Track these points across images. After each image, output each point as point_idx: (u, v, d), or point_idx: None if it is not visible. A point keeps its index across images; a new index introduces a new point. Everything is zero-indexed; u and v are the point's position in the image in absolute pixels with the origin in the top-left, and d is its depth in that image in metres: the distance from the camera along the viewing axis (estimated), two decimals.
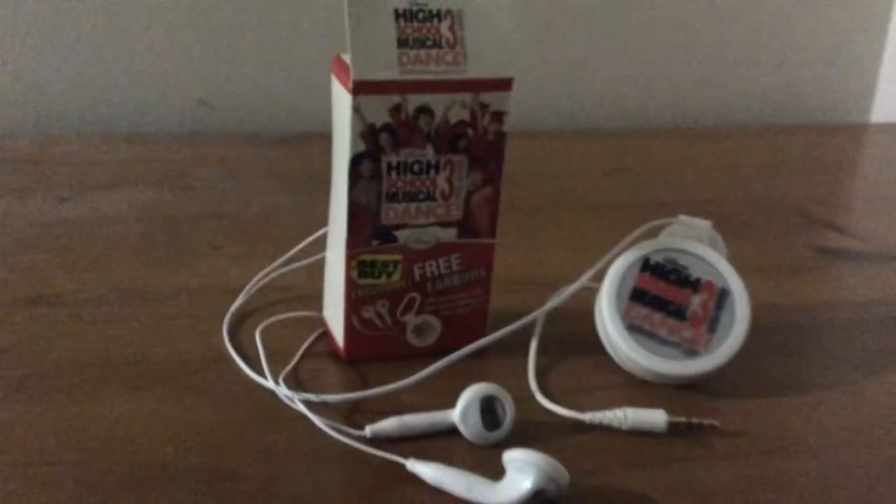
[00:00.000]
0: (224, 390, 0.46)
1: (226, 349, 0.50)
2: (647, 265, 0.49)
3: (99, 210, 0.68)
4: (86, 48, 0.85)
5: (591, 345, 0.50)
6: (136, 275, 0.58)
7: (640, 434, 0.45)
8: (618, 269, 0.49)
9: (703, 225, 0.52)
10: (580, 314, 0.52)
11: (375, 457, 0.41)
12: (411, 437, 0.43)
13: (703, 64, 0.97)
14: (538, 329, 0.52)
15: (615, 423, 0.45)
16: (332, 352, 0.50)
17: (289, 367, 0.48)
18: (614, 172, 0.81)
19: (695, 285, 0.49)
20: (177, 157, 0.79)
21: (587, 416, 0.45)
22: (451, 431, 0.44)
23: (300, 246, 0.57)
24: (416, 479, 0.40)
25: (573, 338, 0.52)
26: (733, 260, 0.51)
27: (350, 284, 0.48)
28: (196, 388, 0.46)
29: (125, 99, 0.87)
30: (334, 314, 0.50)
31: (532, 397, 0.47)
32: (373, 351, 0.49)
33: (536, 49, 0.93)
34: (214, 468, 0.41)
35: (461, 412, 0.43)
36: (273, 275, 0.57)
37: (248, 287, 0.56)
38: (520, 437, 0.44)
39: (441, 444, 0.43)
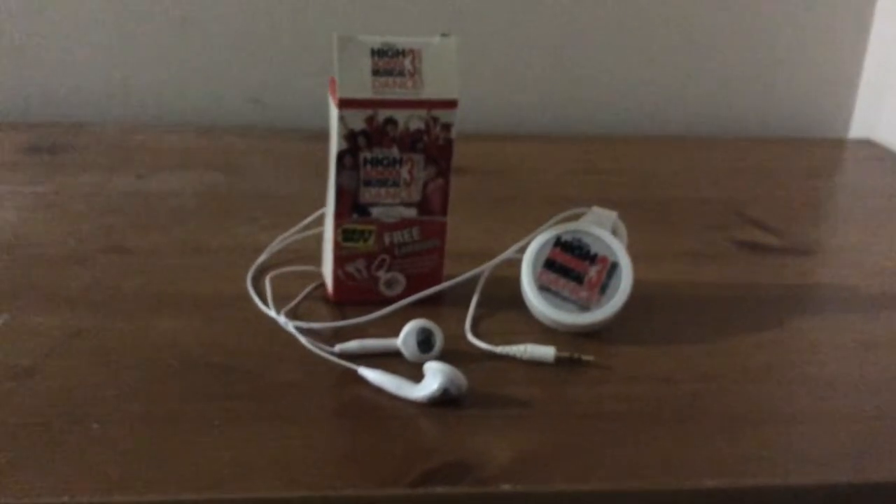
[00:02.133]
0: (241, 317, 0.64)
1: (247, 290, 0.68)
2: (558, 242, 0.66)
3: (167, 186, 0.87)
4: (167, 53, 1.04)
5: (519, 303, 0.67)
6: (188, 235, 0.77)
7: (535, 364, 0.61)
8: (536, 244, 0.66)
9: (610, 215, 0.68)
10: (514, 279, 0.69)
11: (339, 365, 0.59)
12: (369, 355, 0.60)
13: (692, 77, 1.11)
14: (479, 288, 0.69)
15: (517, 355, 0.61)
16: (325, 297, 0.68)
17: (291, 305, 0.66)
18: (587, 172, 0.97)
19: (593, 259, 0.65)
20: (233, 147, 0.98)
21: (498, 349, 0.62)
22: (396, 354, 0.61)
23: (312, 217, 0.75)
24: (363, 381, 0.58)
25: (508, 297, 0.68)
26: (660, 247, 0.67)
27: (337, 246, 0.65)
28: (221, 315, 0.65)
29: (196, 96, 1.06)
30: (327, 268, 0.67)
31: (464, 335, 0.64)
32: (354, 297, 0.67)
33: (545, 61, 1.09)
34: (224, 365, 0.59)
35: (402, 338, 0.60)
36: (290, 239, 0.75)
37: (269, 247, 0.74)
38: (447, 360, 0.60)
39: (389, 361, 0.60)
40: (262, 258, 0.73)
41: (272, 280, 0.69)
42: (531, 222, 0.82)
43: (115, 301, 0.66)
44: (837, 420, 0.57)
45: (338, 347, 0.60)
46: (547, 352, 0.61)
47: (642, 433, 0.55)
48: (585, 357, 0.61)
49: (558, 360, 0.61)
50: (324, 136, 0.65)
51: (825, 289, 0.75)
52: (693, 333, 0.66)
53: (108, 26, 1.03)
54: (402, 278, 0.67)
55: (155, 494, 0.47)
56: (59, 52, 1.04)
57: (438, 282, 0.68)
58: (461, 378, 0.56)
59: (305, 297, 0.68)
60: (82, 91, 1.05)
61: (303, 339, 0.61)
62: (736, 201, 0.91)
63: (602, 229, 0.66)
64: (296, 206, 0.82)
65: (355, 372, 0.58)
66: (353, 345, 0.61)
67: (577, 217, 0.68)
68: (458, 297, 0.68)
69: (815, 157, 1.06)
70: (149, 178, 0.89)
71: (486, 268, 0.68)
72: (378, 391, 0.57)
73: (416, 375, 0.57)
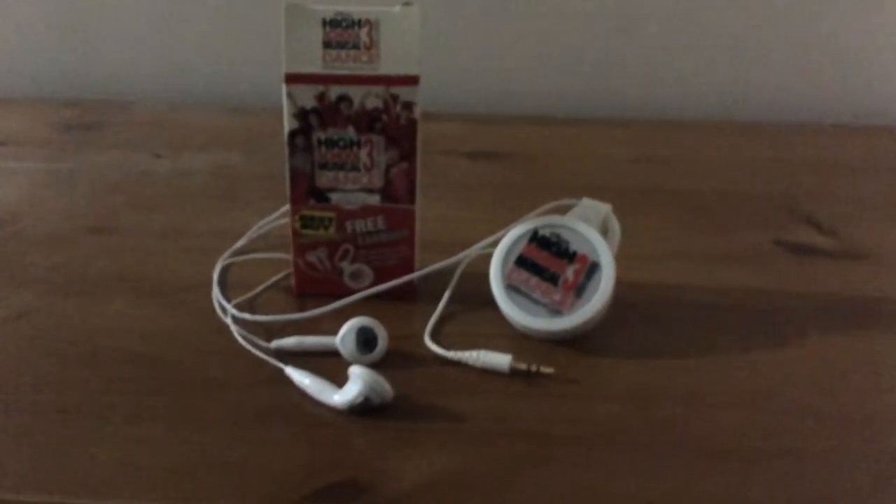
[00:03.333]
0: (194, 306, 0.61)
1: (210, 277, 0.64)
2: (535, 237, 0.58)
3: (182, 166, 0.85)
4: (212, 33, 1.03)
5: (494, 301, 0.60)
6: (180, 217, 0.74)
7: (488, 373, 0.54)
8: (508, 239, 0.59)
9: (603, 208, 0.60)
10: None
11: (268, 362, 0.54)
12: (308, 353, 0.56)
13: (734, 60, 1.00)
14: (452, 284, 0.62)
15: (470, 362, 0.55)
16: (290, 288, 0.64)
17: (248, 295, 0.62)
18: (630, 161, 0.88)
19: (571, 257, 0.57)
20: (261, 127, 0.95)
21: (449, 354, 0.55)
22: (337, 353, 0.55)
23: None
24: (289, 382, 0.53)
25: (483, 294, 0.62)
26: (689, 245, 0.59)
27: (295, 233, 0.61)
28: (175, 302, 0.61)
29: (238, 76, 1.04)
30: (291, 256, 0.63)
31: (421, 336, 0.58)
32: (318, 289, 0.62)
33: (571, 41, 1.00)
34: (156, 356, 0.55)
35: (341, 337, 0.55)
36: (273, 224, 0.71)
37: (250, 232, 0.70)
38: (390, 363, 0.55)
39: (328, 361, 0.55)
40: (239, 243, 0.69)
41: (240, 267, 0.66)
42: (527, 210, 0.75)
43: (75, 283, 0.64)
44: (836, 460, 0.48)
45: (274, 343, 0.56)
46: (501, 360, 0.54)
47: (587, 462, 0.47)
48: (545, 369, 0.54)
49: (514, 371, 0.54)
50: None
51: (871, 302, 0.64)
52: (687, 348, 0.57)
53: (156, 4, 1.02)
54: (368, 270, 0.62)
55: (28, 493, 0.44)
56: (105, 29, 1.04)
57: (410, 275, 0.62)
58: (384, 386, 0.50)
59: (270, 287, 0.64)
60: (127, 68, 1.05)
61: (236, 334, 0.57)
62: (791, 195, 0.80)
63: (586, 224, 0.58)
64: None
65: (282, 371, 0.53)
66: (290, 341, 0.56)
67: (566, 209, 0.61)
68: (434, 293, 0.62)
69: (865, 145, 0.93)
70: (166, 157, 0.87)
71: (457, 259, 0.61)
72: (303, 394, 0.52)
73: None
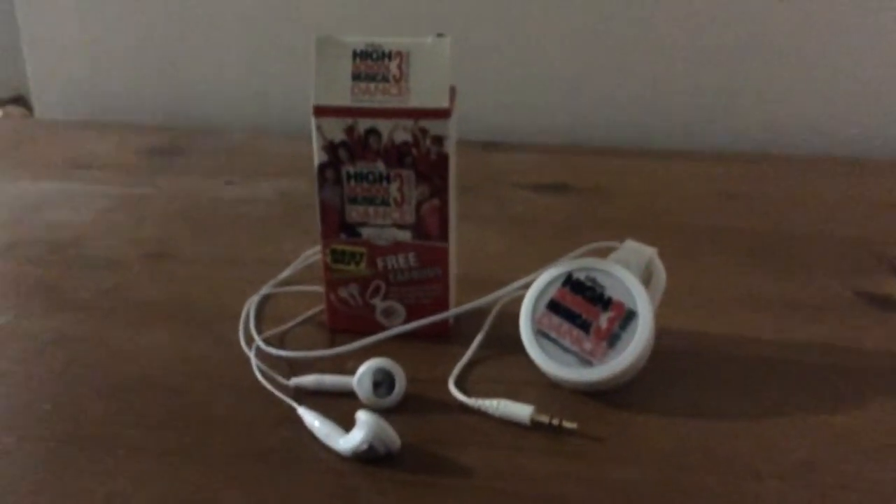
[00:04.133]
0: (224, 338, 0.60)
1: (249, 307, 0.64)
2: (569, 280, 0.55)
3: (249, 193, 0.86)
4: (300, 64, 1.04)
5: None
6: (237, 246, 0.74)
7: (508, 424, 0.51)
8: (541, 282, 0.56)
9: (647, 251, 0.56)
10: None
11: (283, 400, 0.53)
12: (326, 392, 0.54)
13: (830, 91, 0.93)
14: (486, 325, 0.60)
15: (490, 411, 0.52)
16: (324, 322, 0.62)
17: (280, 329, 0.61)
18: (711, 196, 0.83)
19: (606, 303, 0.54)
20: None
21: (471, 401, 0.53)
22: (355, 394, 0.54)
23: None
24: (301, 421, 0.51)
25: (518, 338, 0.58)
26: (754, 291, 0.55)
27: (326, 268, 0.59)
28: (208, 333, 0.61)
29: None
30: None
31: (445, 379, 0.55)
32: (351, 326, 0.60)
33: (652, 72, 0.96)
34: (175, 388, 0.55)
35: (357, 379, 0.53)
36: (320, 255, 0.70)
37: (295, 262, 0.69)
38: (408, 407, 0.53)
39: (346, 402, 0.53)
40: (283, 274, 0.68)
41: (279, 298, 0.65)
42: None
43: (118, 310, 0.64)
44: None
45: (293, 381, 0.54)
46: (522, 411, 0.51)
47: None
48: (567, 424, 0.50)
49: (534, 423, 0.51)
50: None
51: None
52: (732, 410, 0.53)
53: (245, 38, 1.04)
54: (400, 308, 0.60)
55: None
56: (200, 59, 1.07)
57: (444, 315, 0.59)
58: (389, 434, 0.48)
59: (305, 321, 0.62)
60: (214, 96, 1.08)
61: (255, 369, 0.56)
62: (878, 240, 0.73)
63: (624, 269, 0.54)
64: None
65: (295, 411, 0.52)
66: (309, 380, 0.54)
67: (608, 251, 0.57)
68: (470, 335, 0.60)
69: None
70: (237, 184, 0.88)
71: (492, 299, 0.58)
72: (310, 435, 0.50)
73: None
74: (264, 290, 0.66)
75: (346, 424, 0.50)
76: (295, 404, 0.52)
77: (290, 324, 0.62)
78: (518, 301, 0.58)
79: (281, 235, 0.76)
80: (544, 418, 0.51)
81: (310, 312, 0.63)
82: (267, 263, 0.71)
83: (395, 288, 0.59)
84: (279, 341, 0.60)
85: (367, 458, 0.48)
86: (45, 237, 0.76)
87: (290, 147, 0.98)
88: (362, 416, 0.48)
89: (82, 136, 1.03)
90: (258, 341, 0.59)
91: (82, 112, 1.12)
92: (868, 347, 0.59)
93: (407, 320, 0.60)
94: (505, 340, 0.58)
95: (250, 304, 0.64)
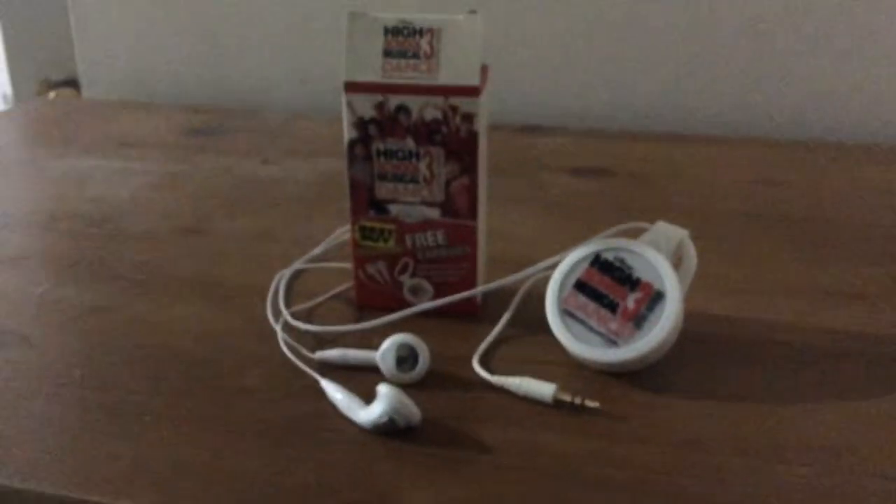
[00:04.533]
0: (254, 312, 0.61)
1: (278, 283, 0.64)
2: (597, 260, 0.55)
3: (285, 172, 0.86)
4: (330, 49, 1.04)
5: None
6: (271, 223, 0.75)
7: (531, 402, 0.51)
8: (569, 261, 0.55)
9: (678, 233, 0.55)
10: None
11: (307, 373, 0.53)
12: (350, 367, 0.54)
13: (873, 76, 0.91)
14: (514, 304, 0.59)
15: (512, 388, 0.52)
16: (352, 299, 0.63)
17: (309, 304, 0.61)
18: (754, 182, 0.82)
19: (634, 284, 0.53)
20: None
21: (494, 379, 0.52)
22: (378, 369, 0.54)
23: None
24: (323, 394, 0.52)
25: (544, 316, 0.58)
26: (794, 278, 0.54)
27: (355, 244, 0.60)
28: (238, 306, 0.62)
29: None
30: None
31: (469, 357, 0.55)
32: (379, 302, 0.61)
33: (695, 54, 0.94)
34: (204, 359, 0.55)
35: (381, 354, 0.53)
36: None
37: (328, 239, 0.70)
38: (431, 383, 0.53)
39: (370, 377, 0.53)
40: (315, 251, 0.69)
41: (310, 275, 0.65)
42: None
43: (154, 282, 0.65)
44: None
45: (318, 354, 0.55)
46: (545, 389, 0.51)
47: None
48: (590, 403, 0.50)
49: (557, 402, 0.50)
50: None
51: None
52: (759, 395, 0.52)
53: (287, 21, 1.05)
54: (428, 286, 0.60)
55: (33, 482, 0.45)
56: (242, 41, 1.08)
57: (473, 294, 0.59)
58: (411, 408, 0.48)
59: (334, 297, 0.63)
60: (257, 77, 1.09)
61: (281, 342, 0.56)
62: None
63: (654, 250, 0.54)
64: None
65: (318, 383, 0.52)
66: (333, 353, 0.55)
67: (638, 233, 0.57)
68: (498, 313, 0.59)
69: None
70: (273, 163, 0.89)
71: (519, 278, 0.58)
72: (335, 409, 0.51)
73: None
74: (295, 265, 0.66)
75: (369, 398, 0.50)
76: (318, 376, 0.52)
77: (319, 299, 0.62)
78: (547, 281, 0.58)
79: (315, 214, 0.77)
80: (567, 397, 0.50)
81: (339, 289, 0.63)
82: (299, 241, 0.71)
83: (423, 265, 0.59)
84: (307, 316, 0.60)
85: (388, 431, 0.48)
86: (86, 211, 0.77)
87: (328, 128, 0.99)
88: (383, 390, 0.48)
89: (127, 117, 1.04)
90: (286, 315, 0.59)
91: (128, 93, 1.14)
92: (865, 331, 0.57)
93: (435, 298, 0.60)
94: (532, 320, 0.58)
95: (279, 280, 0.64)
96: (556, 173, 0.85)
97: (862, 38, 0.91)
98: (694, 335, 0.57)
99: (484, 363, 0.55)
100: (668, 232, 0.56)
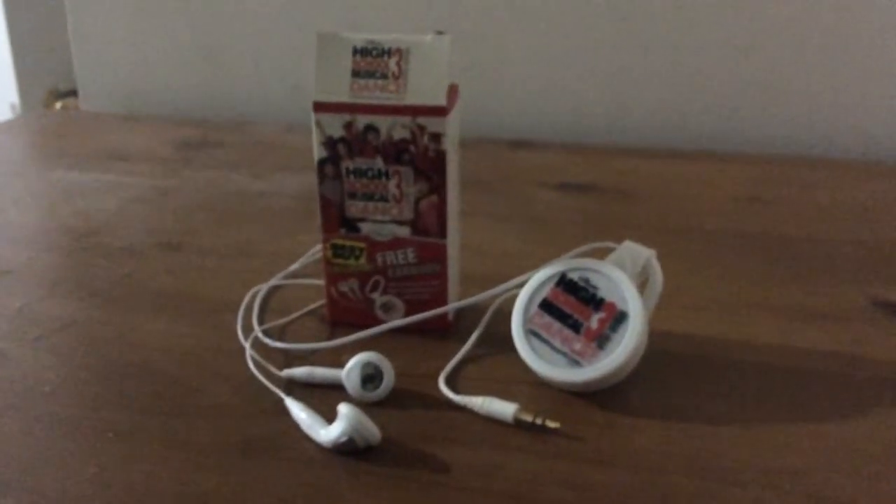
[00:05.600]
0: (223, 328, 0.61)
1: (252, 299, 0.65)
2: (562, 280, 0.55)
3: (273, 187, 0.87)
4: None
5: None
6: (255, 238, 0.76)
7: (492, 422, 0.51)
8: (536, 280, 0.55)
9: (644, 253, 0.56)
10: None
11: (272, 392, 0.54)
12: (317, 385, 0.55)
13: (858, 93, 0.90)
14: (484, 323, 0.59)
15: (475, 408, 0.52)
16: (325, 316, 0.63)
17: (281, 321, 0.62)
18: (735, 199, 0.81)
19: (598, 304, 0.53)
20: None
21: (457, 398, 0.53)
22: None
23: None
24: (288, 412, 0.52)
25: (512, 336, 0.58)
26: (766, 297, 0.54)
27: (327, 262, 0.60)
28: (210, 323, 0.62)
29: None
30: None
31: (436, 376, 0.55)
32: (350, 319, 0.61)
33: (679, 71, 0.94)
34: (171, 375, 0.56)
35: (346, 372, 0.53)
36: None
37: (305, 255, 0.70)
38: (395, 402, 0.53)
39: (340, 395, 0.54)
40: (292, 267, 0.69)
41: (286, 291, 0.66)
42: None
43: (131, 297, 0.66)
44: None
45: (285, 372, 0.55)
46: (505, 409, 0.51)
47: None
48: (550, 423, 0.50)
49: (518, 422, 0.51)
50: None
51: None
52: (722, 414, 0.52)
53: (277, 30, 1.06)
54: (399, 304, 0.60)
55: None
56: (236, 54, 1.09)
57: (443, 311, 0.60)
58: (370, 428, 0.48)
59: (307, 314, 0.63)
60: (253, 91, 1.09)
61: (249, 359, 0.56)
62: (885, 242, 0.71)
63: (618, 270, 0.54)
64: None
65: (283, 401, 0.53)
66: (300, 371, 0.55)
67: (607, 252, 0.57)
68: (468, 331, 0.60)
69: None
70: (263, 177, 0.89)
71: (488, 296, 0.58)
72: (294, 426, 0.51)
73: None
74: (271, 281, 0.67)
75: (334, 417, 0.50)
76: (283, 395, 0.53)
77: (293, 316, 0.63)
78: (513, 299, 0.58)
79: (299, 229, 0.77)
80: (528, 417, 0.50)
81: (312, 306, 0.64)
82: (280, 256, 0.72)
83: (393, 283, 0.59)
84: (279, 333, 0.61)
85: (348, 450, 0.48)
86: (71, 225, 0.78)
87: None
88: (343, 409, 0.49)
89: (121, 129, 1.05)
90: (257, 332, 0.60)
91: (125, 106, 1.15)
92: (876, 357, 0.57)
93: (406, 315, 0.60)
94: (501, 338, 0.58)
95: (253, 296, 0.65)
96: (542, 189, 0.85)
97: (842, 56, 0.91)
98: (660, 354, 0.57)
99: (450, 382, 0.55)
100: (635, 251, 0.56)
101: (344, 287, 0.60)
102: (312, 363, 0.56)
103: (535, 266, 0.58)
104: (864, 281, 0.67)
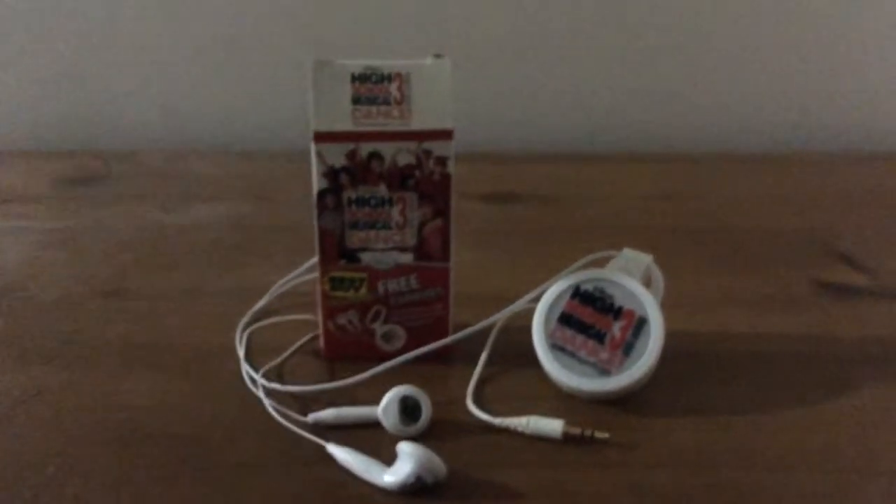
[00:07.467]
0: (218, 377, 0.58)
1: (234, 343, 0.61)
2: (577, 292, 0.56)
3: (193, 219, 0.82)
4: (210, 77, 1.00)
5: (536, 360, 0.57)
6: (196, 276, 0.71)
7: (540, 440, 0.52)
8: (550, 295, 0.56)
9: (643, 259, 0.58)
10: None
11: (306, 438, 0.51)
12: (347, 426, 0.53)
13: (755, 87, 0.99)
14: (490, 343, 0.60)
15: (519, 429, 0.52)
16: (319, 351, 0.60)
17: (275, 362, 0.59)
18: (657, 198, 0.86)
19: (617, 313, 0.55)
20: (273, 173, 0.92)
21: (497, 421, 0.52)
22: (379, 423, 0.52)
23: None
24: (331, 459, 0.50)
25: (524, 353, 0.59)
26: (729, 289, 0.57)
27: (324, 295, 0.58)
28: (199, 372, 0.58)
29: (242, 120, 1.02)
30: (320, 318, 0.60)
31: (463, 401, 0.55)
32: (348, 352, 0.59)
33: (586, 75, 0.99)
34: (184, 435, 0.52)
35: (383, 408, 0.52)
36: (297, 281, 0.68)
37: (271, 291, 0.67)
38: (435, 434, 0.52)
39: (369, 433, 0.52)
40: (259, 304, 0.66)
41: (260, 330, 0.63)
42: (570, 259, 0.72)
43: (92, 354, 0.60)
44: None
45: (311, 417, 0.53)
46: (554, 426, 0.51)
47: None
48: (599, 434, 0.51)
49: (567, 437, 0.51)
50: None
51: None
52: (743, 403, 0.55)
53: (149, 52, 1.00)
54: (401, 332, 0.59)
55: None
56: (102, 79, 1.01)
57: (444, 335, 0.59)
58: (437, 464, 0.47)
59: (297, 351, 0.61)
60: (125, 118, 1.03)
61: (270, 409, 0.54)
62: (824, 232, 0.78)
63: (629, 277, 0.56)
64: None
65: (324, 448, 0.50)
66: (328, 414, 0.53)
67: (605, 261, 0.58)
68: (468, 352, 0.59)
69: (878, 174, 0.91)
70: (176, 210, 0.84)
71: (495, 319, 0.58)
72: (347, 472, 0.49)
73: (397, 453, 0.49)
74: (243, 323, 0.63)
75: (377, 457, 0.49)
76: (322, 441, 0.50)
77: (283, 356, 0.60)
78: (513, 315, 0.59)
79: (240, 263, 0.73)
80: (576, 430, 0.51)
81: (299, 343, 0.61)
82: (234, 295, 0.68)
83: (395, 311, 0.58)
84: (276, 376, 0.58)
85: (414, 490, 0.47)
86: None
87: (219, 167, 0.95)
88: (406, 448, 0.47)
89: None
90: (258, 378, 0.56)
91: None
92: (839, 334, 0.62)
93: (407, 343, 0.59)
94: (509, 356, 0.59)
95: (236, 339, 0.61)
96: (466, 201, 0.86)
97: (750, 51, 0.98)
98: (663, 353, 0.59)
99: (477, 405, 0.54)
100: (635, 258, 0.58)
101: (342, 320, 0.58)
102: (327, 404, 0.54)
103: (507, 282, 0.59)
104: (800, 265, 0.73)
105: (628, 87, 1.00)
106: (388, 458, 0.49)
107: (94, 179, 0.92)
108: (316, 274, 0.66)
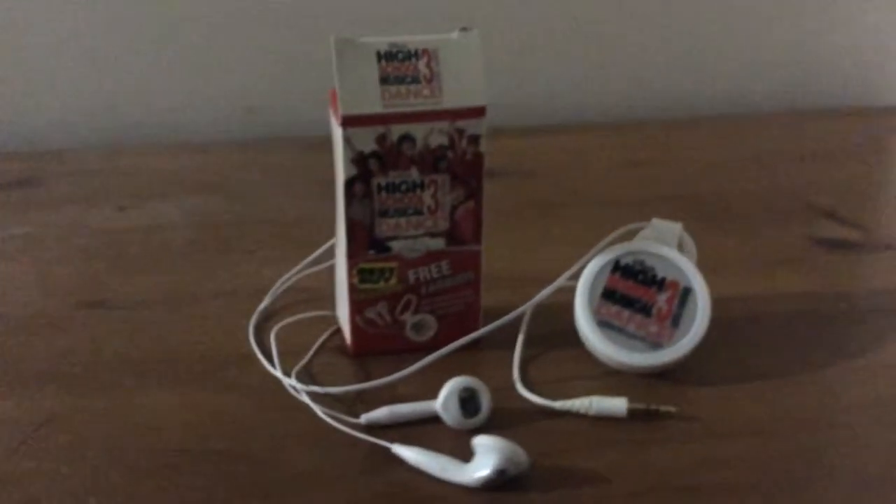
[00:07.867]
0: (244, 384, 0.54)
1: (250, 347, 0.57)
2: (617, 266, 0.55)
3: (154, 218, 0.76)
4: (151, 66, 0.93)
5: (573, 339, 0.56)
6: (180, 278, 0.66)
7: (604, 420, 0.50)
8: (590, 272, 0.55)
9: (674, 228, 0.57)
10: (566, 310, 0.57)
11: (366, 441, 0.48)
12: (401, 423, 0.50)
13: (717, 50, 1.00)
14: (525, 325, 0.58)
15: (582, 410, 0.50)
16: (342, 347, 0.57)
17: (302, 363, 0.55)
18: (630, 166, 0.86)
19: (660, 284, 0.54)
20: (229, 164, 0.87)
21: (557, 404, 0.51)
22: (436, 418, 0.50)
23: (323, 249, 0.63)
24: (399, 461, 0.47)
25: (558, 332, 0.57)
26: (729, 252, 0.57)
27: (352, 289, 0.54)
28: (221, 383, 0.54)
29: (187, 110, 0.95)
30: (343, 314, 0.57)
31: (513, 387, 0.53)
32: (377, 346, 0.56)
33: (571, 41, 0.97)
34: (224, 451, 0.48)
35: (442, 402, 0.49)
36: (298, 276, 0.64)
37: (274, 289, 0.63)
38: (496, 423, 0.50)
39: (427, 429, 0.49)
40: (264, 303, 0.62)
41: (279, 331, 0.59)
42: (573, 234, 0.71)
43: (93, 372, 0.55)
44: None
45: (364, 418, 0.50)
46: (618, 405, 0.50)
47: None
48: (664, 408, 0.50)
49: (632, 414, 0.50)
50: (326, 145, 0.54)
51: None
52: (781, 364, 0.55)
53: (86, 44, 0.92)
54: (432, 320, 0.56)
55: None
56: (31, 74, 0.93)
57: (475, 321, 0.57)
58: (521, 455, 0.45)
59: (319, 350, 0.57)
60: (60, 116, 0.95)
61: (320, 412, 0.50)
62: (804, 189, 0.79)
63: (667, 247, 0.55)
64: (303, 232, 0.70)
65: (389, 450, 0.47)
66: (381, 413, 0.50)
67: (633, 234, 0.57)
68: (498, 336, 0.57)
69: (882, 128, 0.94)
70: (132, 209, 0.78)
71: (533, 302, 0.56)
72: (419, 472, 0.46)
73: (460, 447, 0.47)
74: (252, 324, 0.59)
75: (446, 453, 0.46)
76: (385, 443, 0.48)
77: (308, 356, 0.56)
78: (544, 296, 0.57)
79: (222, 262, 0.69)
80: (640, 406, 0.50)
81: (320, 340, 0.58)
82: (231, 295, 0.64)
83: (426, 300, 0.56)
84: (307, 377, 0.54)
85: (496, 484, 0.45)
86: None
87: (166, 161, 0.88)
88: (485, 441, 0.45)
89: None
90: (294, 383, 0.53)
91: None
92: (848, 290, 0.64)
93: (438, 331, 0.56)
94: (543, 336, 0.57)
95: (253, 342, 0.57)
96: None
97: (691, 14, 0.99)
98: None
99: (527, 389, 0.53)
100: (667, 228, 0.57)
101: (371, 313, 0.55)
102: (369, 404, 0.51)
103: (521, 258, 0.60)
104: (791, 224, 0.73)
105: (579, 54, 0.99)
106: (455, 454, 0.46)
107: (30, 183, 0.84)
108: (320, 267, 0.63)
